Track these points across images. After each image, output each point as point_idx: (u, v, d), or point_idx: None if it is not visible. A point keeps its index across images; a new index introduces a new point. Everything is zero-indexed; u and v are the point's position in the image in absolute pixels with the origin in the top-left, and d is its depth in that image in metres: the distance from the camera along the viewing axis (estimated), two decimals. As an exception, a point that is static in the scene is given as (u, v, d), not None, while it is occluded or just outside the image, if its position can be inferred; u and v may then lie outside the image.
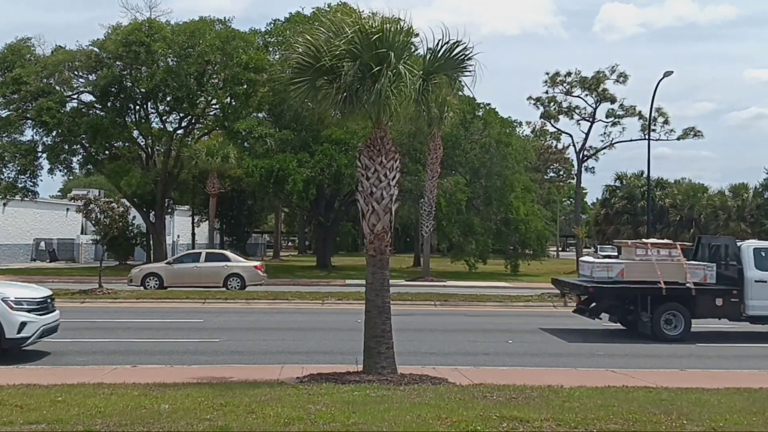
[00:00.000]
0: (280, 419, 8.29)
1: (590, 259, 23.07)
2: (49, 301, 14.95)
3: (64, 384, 10.72)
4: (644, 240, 22.55)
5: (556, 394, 10.37)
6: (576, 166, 72.84)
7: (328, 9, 41.54)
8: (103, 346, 16.04)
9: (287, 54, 14.21)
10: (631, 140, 67.02)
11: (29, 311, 14.08)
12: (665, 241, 22.30)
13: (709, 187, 59.88)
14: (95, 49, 43.58)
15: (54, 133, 43.80)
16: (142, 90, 43.05)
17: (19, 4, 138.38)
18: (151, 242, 48.97)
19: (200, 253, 33.08)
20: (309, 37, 11.74)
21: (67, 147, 45.44)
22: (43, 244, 55.24)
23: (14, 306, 13.83)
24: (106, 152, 47.37)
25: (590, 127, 65.33)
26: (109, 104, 44.25)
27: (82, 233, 55.64)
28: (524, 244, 49.95)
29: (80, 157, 47.69)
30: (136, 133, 46.90)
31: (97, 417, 8.38)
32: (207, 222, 49.72)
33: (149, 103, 45.95)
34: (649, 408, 9.28)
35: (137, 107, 45.93)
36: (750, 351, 17.18)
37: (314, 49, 11.60)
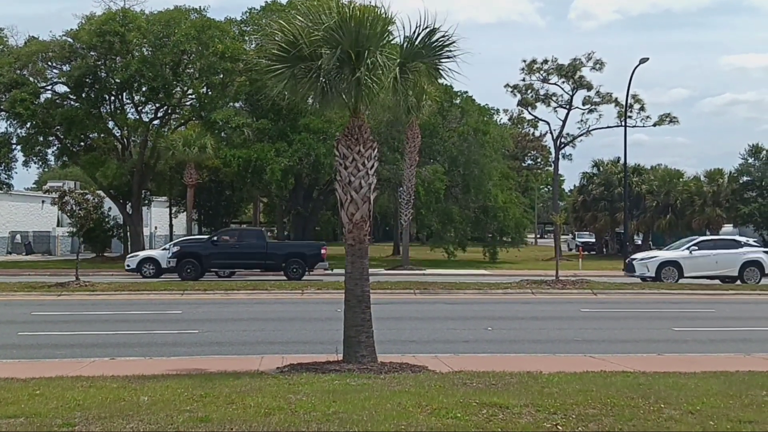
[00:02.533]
0: (260, 409, 8.28)
1: None
2: None
3: (42, 377, 10.63)
4: None
5: (535, 380, 10.43)
6: (553, 154, 73.24)
7: (305, -3, 41.31)
8: (81, 338, 15.93)
9: (264, 42, 14.17)
10: (608, 127, 67.49)
11: None
12: None
13: (684, 173, 60.36)
14: (69, 39, 43.13)
15: (28, 125, 43.37)
16: (117, 80, 42.66)
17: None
18: (128, 234, 48.65)
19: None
20: (286, 25, 11.67)
21: (41, 139, 45.01)
22: (18, 236, 54.70)
23: None
24: (82, 144, 46.97)
25: (567, 114, 65.72)
26: (83, 95, 43.82)
27: (58, 225, 55.14)
28: (503, 232, 50.15)
29: (55, 148, 47.28)
30: (111, 124, 46.52)
31: (76, 410, 8.32)
32: (185, 213, 49.44)
33: (124, 94, 45.56)
34: (627, 392, 9.35)
35: (112, 98, 45.52)
36: (726, 335, 17.38)
37: (292, 36, 11.53)
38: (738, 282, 29.44)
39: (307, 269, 31.25)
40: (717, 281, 29.96)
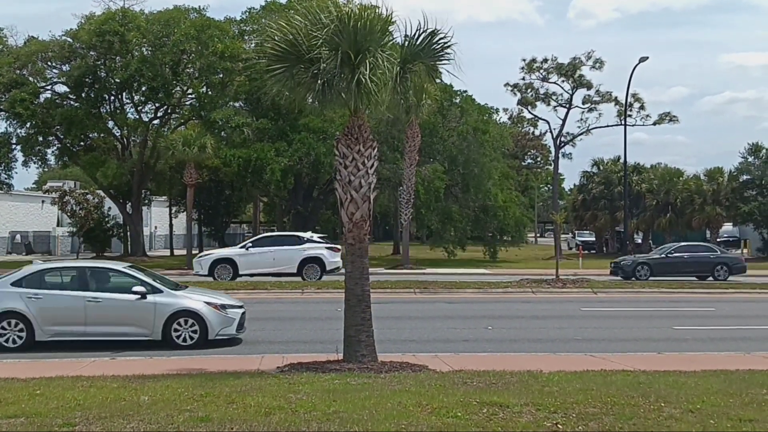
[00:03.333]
0: (261, 409, 8.29)
1: None
2: None
3: (42, 377, 10.65)
4: None
5: (536, 379, 10.44)
6: (553, 153, 73.23)
7: (304, -3, 41.25)
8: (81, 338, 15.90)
9: (263, 42, 14.14)
10: (608, 126, 67.44)
11: None
12: None
13: (684, 172, 60.27)
14: (68, 39, 43.10)
15: (28, 125, 43.33)
16: (117, 80, 42.64)
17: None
18: (129, 234, 48.65)
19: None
20: (285, 26, 11.67)
21: (41, 139, 44.96)
22: (18, 236, 54.68)
23: None
24: (81, 143, 46.93)
25: (567, 113, 65.67)
26: (83, 95, 43.79)
27: (58, 225, 55.13)
28: (502, 231, 50.13)
29: (55, 148, 47.25)
30: (111, 123, 46.49)
31: (76, 410, 8.33)
32: (185, 213, 49.42)
33: (124, 94, 45.56)
34: (627, 391, 9.37)
35: (112, 98, 45.51)
36: (726, 333, 17.39)
37: (291, 37, 11.53)
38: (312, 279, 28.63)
39: None
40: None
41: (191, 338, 14.86)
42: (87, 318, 14.75)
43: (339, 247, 31.55)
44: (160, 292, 15.16)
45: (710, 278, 30.95)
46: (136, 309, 14.85)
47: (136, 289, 14.93)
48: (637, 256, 34.59)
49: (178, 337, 14.84)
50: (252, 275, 28.86)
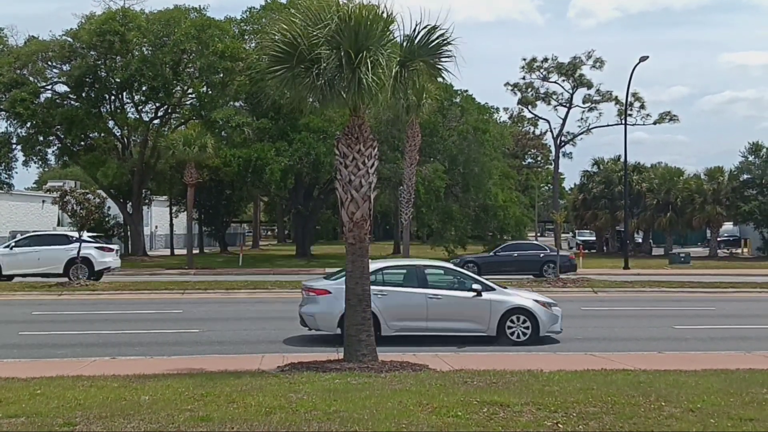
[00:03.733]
0: (261, 408, 8.29)
1: None
2: None
3: (43, 377, 10.64)
4: None
5: (536, 378, 10.44)
6: (553, 152, 73.41)
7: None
8: (81, 338, 15.94)
9: (263, 42, 14.12)
10: (608, 125, 67.78)
11: None
12: None
13: (684, 171, 60.30)
14: (69, 39, 43.13)
15: (28, 125, 43.37)
16: (117, 80, 42.67)
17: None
18: (129, 233, 48.65)
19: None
20: (285, 26, 11.66)
21: (41, 138, 45.00)
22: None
23: None
24: (82, 143, 46.97)
25: (567, 112, 65.92)
26: (83, 95, 43.82)
27: (58, 225, 55.10)
28: (503, 230, 50.04)
29: (55, 148, 47.29)
30: (111, 123, 46.53)
31: (77, 409, 8.33)
32: (185, 212, 49.43)
33: (125, 93, 45.58)
34: (627, 390, 9.36)
35: (112, 97, 45.53)
36: (726, 333, 17.38)
37: (291, 37, 11.52)
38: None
39: None
40: None
41: (523, 335, 15.19)
42: (428, 314, 15.13)
43: (112, 246, 30.99)
44: (493, 290, 15.51)
45: (541, 277, 31.15)
46: (474, 306, 15.22)
47: (474, 286, 15.37)
48: (466, 255, 35.05)
49: (512, 333, 15.19)
50: (22, 276, 28.09)
